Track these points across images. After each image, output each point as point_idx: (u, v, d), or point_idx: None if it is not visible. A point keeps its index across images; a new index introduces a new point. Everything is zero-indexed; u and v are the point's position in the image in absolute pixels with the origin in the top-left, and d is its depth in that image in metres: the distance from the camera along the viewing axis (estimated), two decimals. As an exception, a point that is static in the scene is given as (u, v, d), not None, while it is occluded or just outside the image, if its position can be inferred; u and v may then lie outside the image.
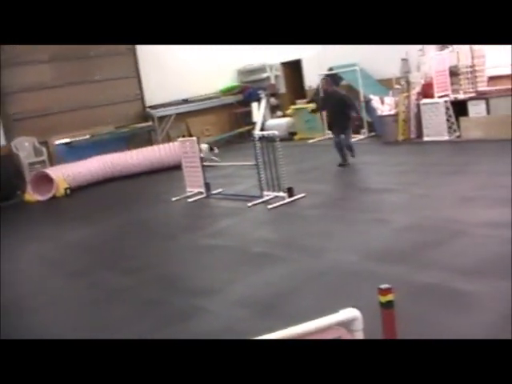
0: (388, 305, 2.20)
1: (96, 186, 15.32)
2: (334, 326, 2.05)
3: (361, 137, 16.29)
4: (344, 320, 2.08)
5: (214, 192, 11.80)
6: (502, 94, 13.59)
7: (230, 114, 20.73)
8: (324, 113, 14.26)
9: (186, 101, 19.80)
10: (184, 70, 19.41)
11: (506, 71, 14.10)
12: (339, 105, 12.47)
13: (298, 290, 6.22)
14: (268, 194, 10.48)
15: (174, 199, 11.93)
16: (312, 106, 17.69)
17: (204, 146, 14.58)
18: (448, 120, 14.03)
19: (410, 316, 5.09)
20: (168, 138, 18.51)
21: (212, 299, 6.37)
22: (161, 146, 16.72)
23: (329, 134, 17.37)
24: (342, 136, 12.56)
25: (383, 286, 2.18)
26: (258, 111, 19.55)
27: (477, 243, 6.80)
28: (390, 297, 2.18)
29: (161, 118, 19.09)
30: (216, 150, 16.32)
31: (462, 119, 13.92)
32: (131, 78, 18.91)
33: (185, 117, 19.65)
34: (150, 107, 19.13)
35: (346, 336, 2.08)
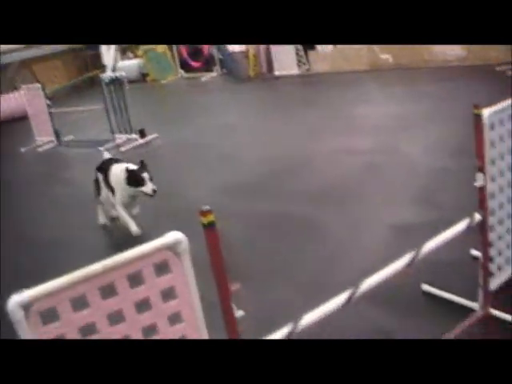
0: (210, 225, 2.27)
1: None
2: (161, 249, 2.10)
3: (213, 74, 16.29)
4: (169, 243, 2.13)
5: (66, 139, 11.41)
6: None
7: (78, 59, 19.91)
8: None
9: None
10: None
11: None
12: None
13: (150, 230, 6.16)
14: (120, 137, 10.28)
15: (23, 150, 11.42)
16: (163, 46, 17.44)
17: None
18: (297, 54, 14.33)
19: (255, 244, 5.33)
20: (13, 87, 17.51)
21: (68, 250, 6.22)
22: (5, 95, 15.83)
23: (181, 73, 17.30)
24: None
25: (204, 208, 2.25)
26: (108, 54, 18.98)
27: (325, 170, 7.11)
28: (210, 217, 2.24)
29: (4, 66, 18.03)
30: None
31: (311, 53, 14.29)
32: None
33: (30, 63, 18.69)
34: (-10, 54, 17.98)
35: (172, 258, 2.13)
